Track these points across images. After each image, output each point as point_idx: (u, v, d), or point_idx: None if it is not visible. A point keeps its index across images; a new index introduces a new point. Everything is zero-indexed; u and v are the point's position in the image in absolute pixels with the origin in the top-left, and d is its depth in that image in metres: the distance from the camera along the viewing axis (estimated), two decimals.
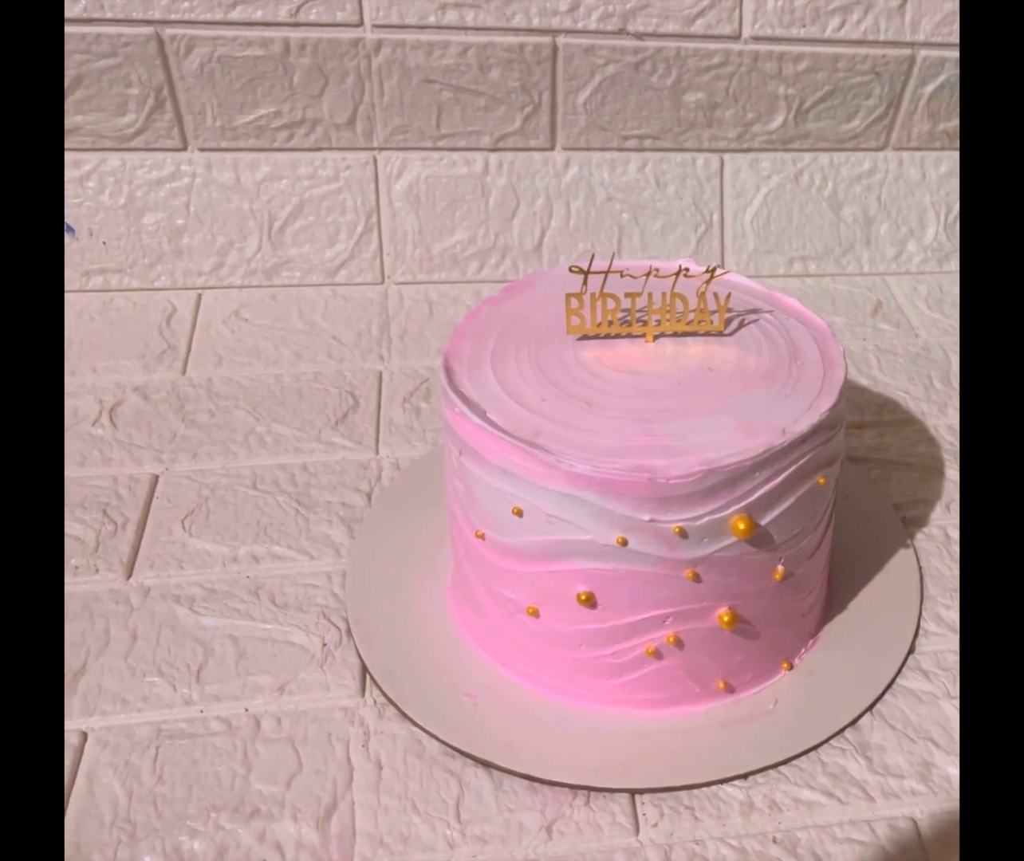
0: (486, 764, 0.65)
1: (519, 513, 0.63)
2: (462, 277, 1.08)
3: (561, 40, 1.00)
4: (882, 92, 1.08)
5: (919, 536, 0.82)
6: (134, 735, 0.66)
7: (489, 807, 0.63)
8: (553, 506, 0.61)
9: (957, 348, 1.04)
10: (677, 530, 0.61)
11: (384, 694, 0.68)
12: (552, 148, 1.07)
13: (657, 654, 0.65)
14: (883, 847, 0.61)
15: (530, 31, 0.99)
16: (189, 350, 0.98)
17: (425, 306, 1.05)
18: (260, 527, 0.80)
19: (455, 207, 1.07)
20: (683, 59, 1.02)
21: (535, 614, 0.66)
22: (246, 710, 0.68)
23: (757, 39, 1.03)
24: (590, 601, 0.64)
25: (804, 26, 1.02)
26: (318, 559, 0.78)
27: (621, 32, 1.00)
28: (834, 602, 0.75)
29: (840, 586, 0.76)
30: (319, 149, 1.04)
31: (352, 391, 0.94)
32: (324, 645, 0.72)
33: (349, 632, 0.72)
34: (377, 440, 0.89)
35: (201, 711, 0.67)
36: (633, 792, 0.64)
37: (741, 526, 0.61)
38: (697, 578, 0.63)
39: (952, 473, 0.88)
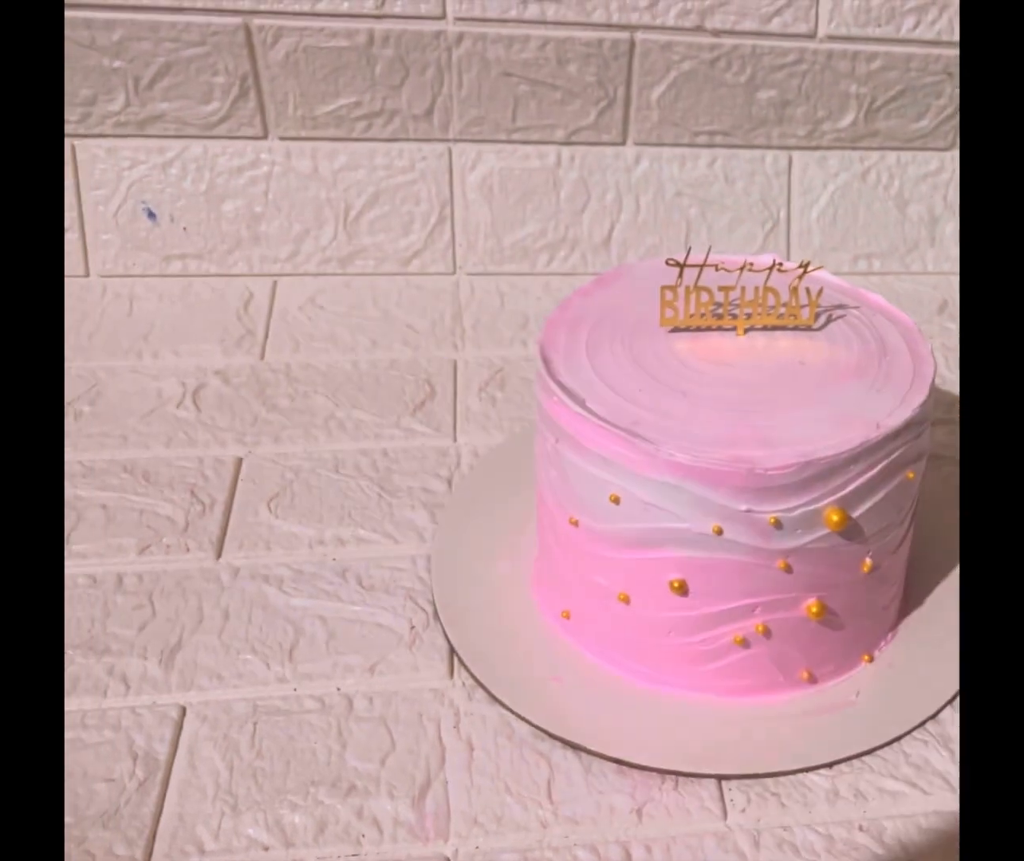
0: (575, 747, 0.65)
1: (616, 500, 0.63)
2: (532, 269, 1.09)
3: (639, 36, 1.01)
4: (953, 92, 1.08)
5: None
6: (231, 710, 0.67)
7: (579, 789, 0.64)
8: (651, 494, 0.62)
9: None
10: (772, 521, 0.61)
11: (473, 676, 0.69)
12: (623, 143, 1.08)
13: (745, 643, 0.66)
14: None
15: (609, 26, 1.00)
16: (267, 335, 1.00)
17: (496, 297, 1.06)
18: (344, 510, 0.82)
19: (527, 200, 1.08)
20: (758, 57, 1.03)
21: (626, 600, 0.67)
22: (338, 689, 0.69)
23: (832, 38, 1.03)
24: (682, 589, 0.64)
25: (879, 25, 1.03)
26: (402, 543, 0.79)
27: (698, 29, 1.01)
28: (911, 596, 0.76)
29: (915, 581, 0.76)
30: (396, 140, 1.05)
31: (428, 379, 0.96)
32: (412, 627, 0.73)
33: (436, 615, 0.73)
34: (455, 427, 0.91)
35: (295, 689, 0.69)
36: (720, 778, 0.65)
37: (835, 518, 0.62)
38: (788, 569, 0.63)
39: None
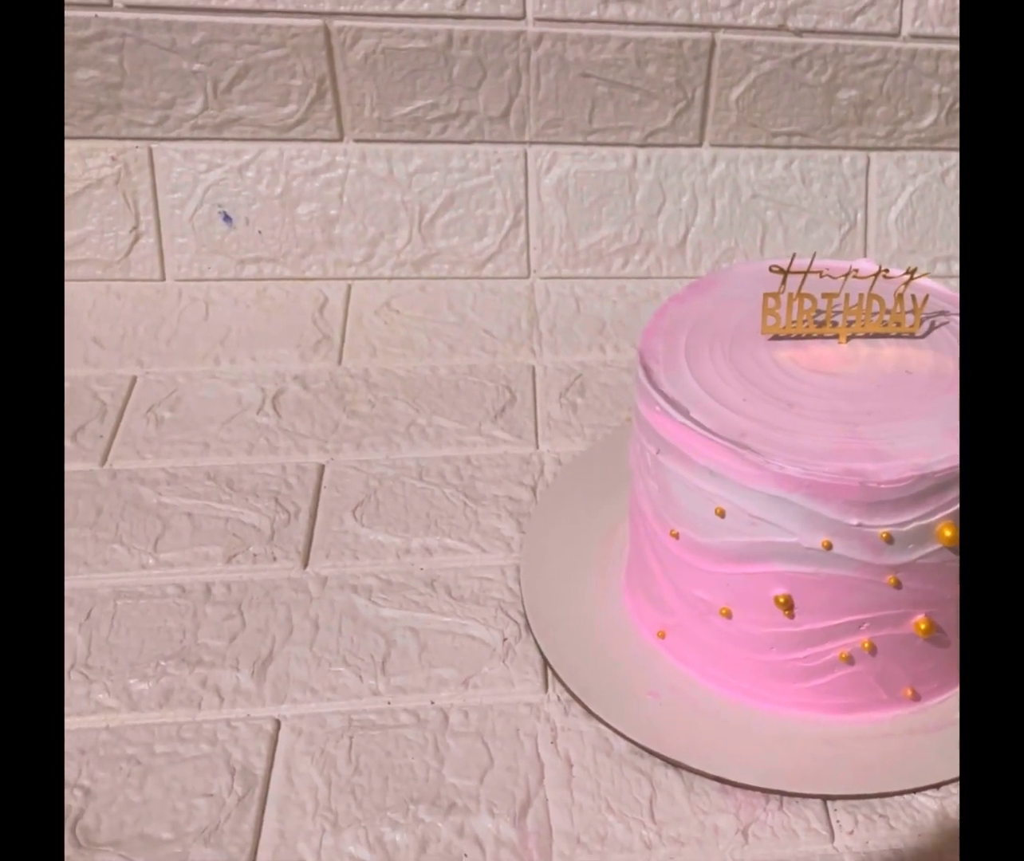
0: (675, 764, 0.64)
1: (721, 514, 0.62)
2: (606, 273, 1.07)
3: (720, 36, 0.99)
4: None
5: None
6: (326, 724, 0.66)
7: (682, 808, 0.62)
8: (759, 508, 0.61)
9: None
10: (884, 536, 0.60)
11: (568, 691, 0.68)
12: (700, 144, 1.06)
13: (850, 659, 0.65)
14: None
15: (690, 26, 0.98)
16: (343, 340, 0.99)
17: (572, 301, 1.05)
18: (430, 519, 0.81)
19: (602, 202, 1.06)
20: (840, 56, 1.01)
21: (727, 615, 0.65)
22: (432, 703, 0.68)
23: (916, 36, 1.01)
24: (787, 604, 0.63)
25: None
26: (490, 552, 0.78)
27: (781, 28, 0.99)
28: None
29: None
30: (471, 142, 1.04)
31: (508, 385, 0.94)
32: (504, 639, 0.72)
33: (528, 627, 0.72)
34: (536, 434, 0.89)
35: (389, 702, 0.68)
36: (826, 798, 0.63)
37: (947, 533, 0.60)
38: (898, 584, 0.62)
39: None
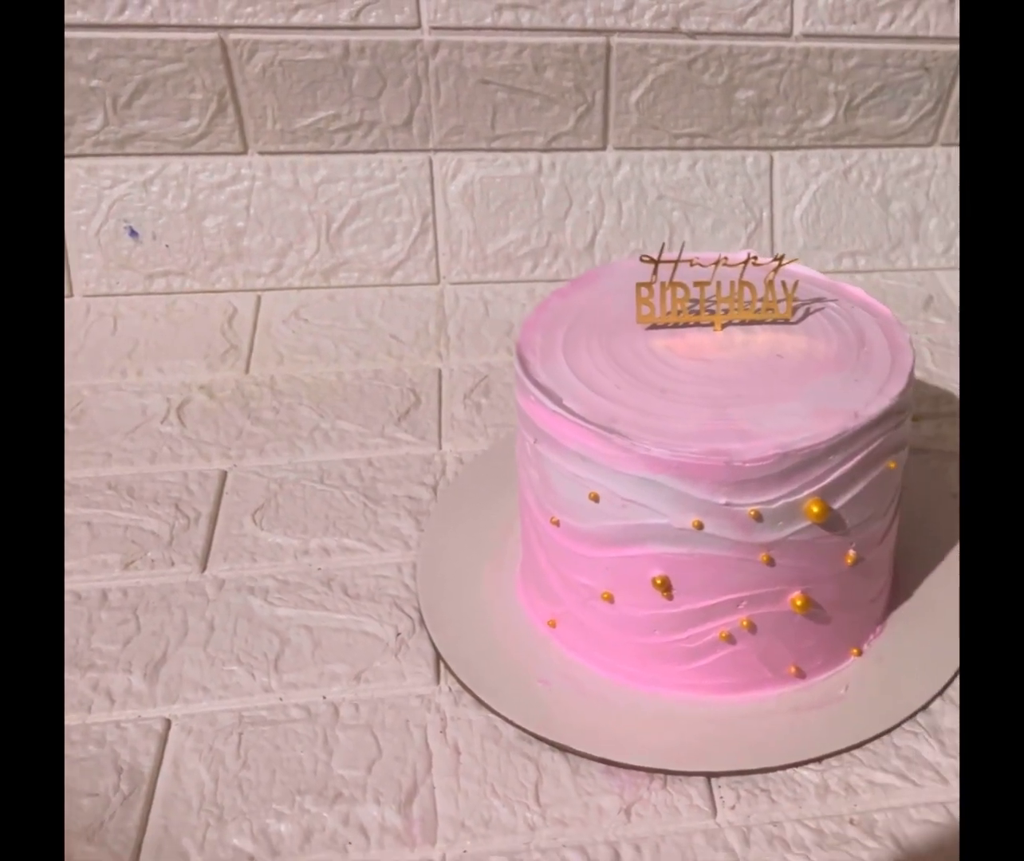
0: (562, 748, 0.65)
1: (595, 498, 0.63)
2: (516, 277, 1.09)
3: (615, 40, 1.01)
4: (931, 87, 1.08)
5: None
6: (217, 722, 0.67)
7: (567, 790, 0.63)
8: (629, 490, 0.62)
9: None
10: (752, 514, 0.61)
11: (460, 681, 0.69)
12: (604, 147, 1.08)
13: (730, 639, 0.66)
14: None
15: (584, 31, 1.00)
16: (251, 349, 1.00)
17: (480, 305, 1.06)
18: (329, 520, 0.81)
19: (509, 207, 1.08)
20: (735, 57, 1.03)
21: (609, 600, 0.67)
22: (324, 698, 0.69)
23: (808, 36, 1.03)
24: (665, 585, 0.64)
25: (855, 22, 1.03)
26: (387, 551, 0.79)
27: (674, 31, 1.01)
28: (899, 590, 0.75)
29: (904, 574, 0.76)
30: (376, 151, 1.05)
31: (413, 388, 0.95)
32: (398, 634, 0.73)
33: (422, 621, 0.73)
34: (440, 435, 0.90)
35: (280, 699, 0.69)
36: (709, 775, 0.64)
37: (815, 510, 0.62)
38: (771, 562, 0.63)
39: None
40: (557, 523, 0.67)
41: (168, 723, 0.67)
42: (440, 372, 0.98)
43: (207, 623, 0.73)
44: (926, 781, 0.64)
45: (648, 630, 0.67)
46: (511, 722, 0.67)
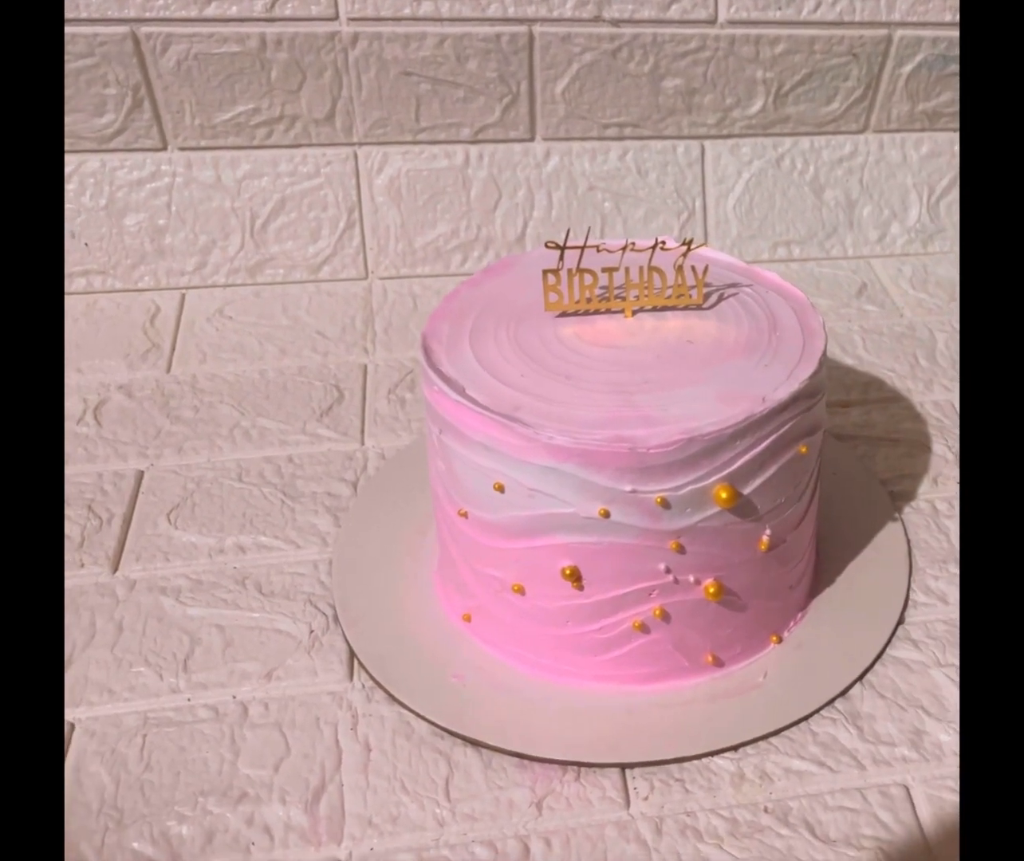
0: (475, 743, 0.64)
1: (500, 488, 0.62)
2: (445, 270, 1.08)
3: (537, 29, 1.00)
4: (860, 73, 1.08)
5: (907, 510, 0.82)
6: (121, 724, 0.66)
7: (479, 785, 0.63)
8: (534, 480, 0.61)
9: (941, 327, 1.04)
10: (659, 500, 0.61)
11: (372, 677, 0.68)
12: (532, 138, 1.07)
13: (644, 628, 0.65)
14: (875, 814, 0.61)
15: (506, 21, 0.99)
16: (173, 348, 0.98)
17: (409, 300, 1.05)
18: (246, 518, 0.80)
19: (436, 200, 1.07)
20: (660, 45, 1.03)
21: (520, 591, 0.66)
22: (233, 697, 0.68)
23: (733, 23, 1.03)
24: (574, 576, 0.63)
25: (780, 8, 1.03)
26: (304, 548, 0.78)
27: (597, 19, 1.00)
28: (823, 577, 0.75)
29: (829, 561, 0.76)
30: (299, 146, 1.04)
31: (337, 384, 0.94)
32: (311, 632, 0.72)
33: (336, 618, 0.72)
34: (363, 431, 0.89)
35: (188, 699, 0.67)
36: (623, 766, 0.64)
37: (723, 495, 0.61)
38: (681, 549, 0.63)
39: (938, 448, 0.88)
40: (465, 515, 0.66)
41: (72, 727, 0.65)
42: (365, 367, 0.97)
43: (116, 624, 0.72)
44: (842, 767, 0.64)
45: (560, 621, 0.66)
46: (423, 718, 0.66)
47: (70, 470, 0.84)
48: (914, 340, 1.02)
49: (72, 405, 0.91)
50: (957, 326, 1.03)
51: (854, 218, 1.15)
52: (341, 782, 0.63)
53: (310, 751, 0.64)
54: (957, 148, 1.15)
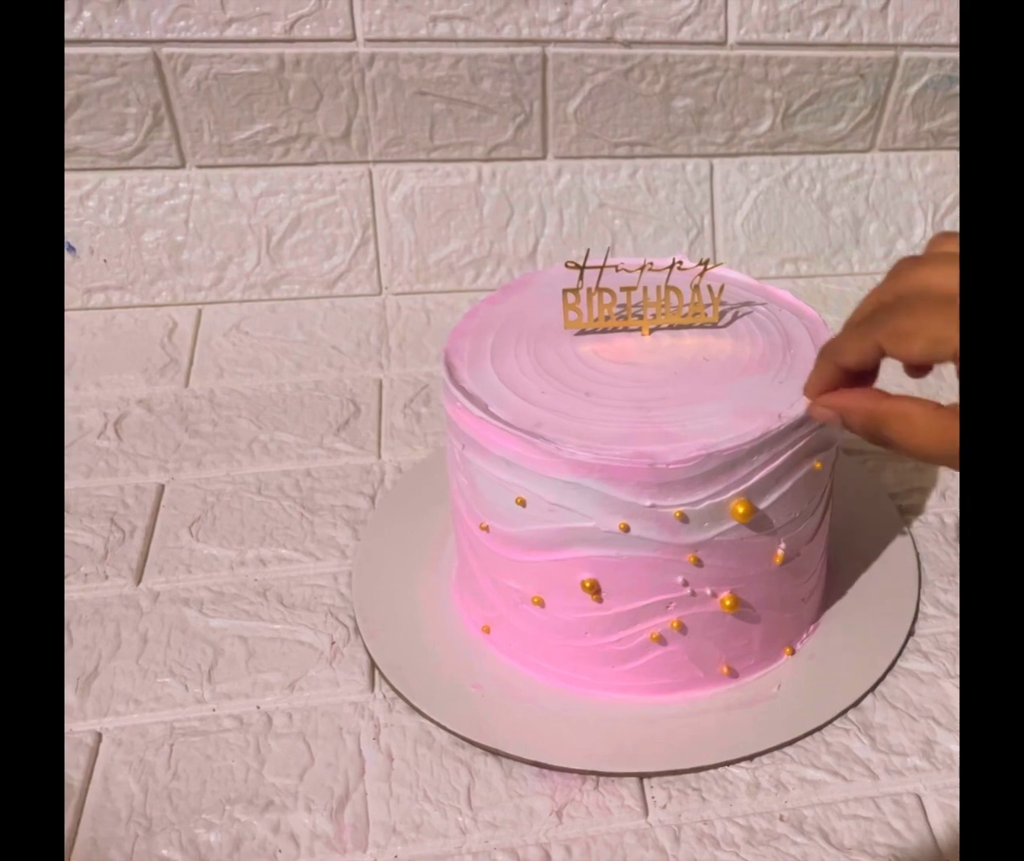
0: (495, 752, 0.66)
1: (522, 503, 0.64)
2: (458, 286, 1.09)
3: (551, 50, 1.02)
4: (867, 94, 1.10)
5: (915, 523, 0.83)
6: (148, 734, 0.67)
7: (499, 793, 0.64)
8: (555, 494, 0.62)
9: None
10: (678, 515, 0.62)
11: (393, 688, 0.69)
12: (544, 157, 1.09)
13: (661, 640, 0.66)
14: (888, 822, 0.63)
15: (520, 42, 1.01)
16: (191, 363, 0.99)
17: (423, 315, 1.07)
18: (266, 531, 0.81)
19: (450, 217, 1.08)
20: (671, 66, 1.04)
21: (540, 604, 0.67)
22: (258, 707, 0.69)
23: (743, 44, 1.04)
24: (594, 589, 0.65)
25: (788, 30, 1.04)
26: (324, 560, 0.79)
27: (609, 40, 1.02)
28: (834, 589, 0.76)
29: (839, 574, 0.77)
30: (315, 164, 1.05)
31: (353, 398, 0.96)
32: (332, 643, 0.73)
33: (357, 630, 0.73)
34: (379, 445, 0.91)
35: (213, 709, 0.68)
36: (641, 776, 0.65)
37: (740, 510, 0.62)
38: (699, 563, 0.64)
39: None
40: (487, 528, 0.67)
41: (99, 736, 0.67)
42: (381, 382, 0.98)
43: (140, 636, 0.73)
44: (856, 776, 0.65)
45: (579, 633, 0.67)
46: (444, 727, 0.67)
47: (91, 483, 0.85)
48: None
49: (92, 419, 0.92)
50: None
51: (860, 235, 1.16)
52: (365, 791, 0.64)
53: (333, 760, 0.66)
54: None
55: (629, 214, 1.11)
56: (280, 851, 0.61)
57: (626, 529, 0.62)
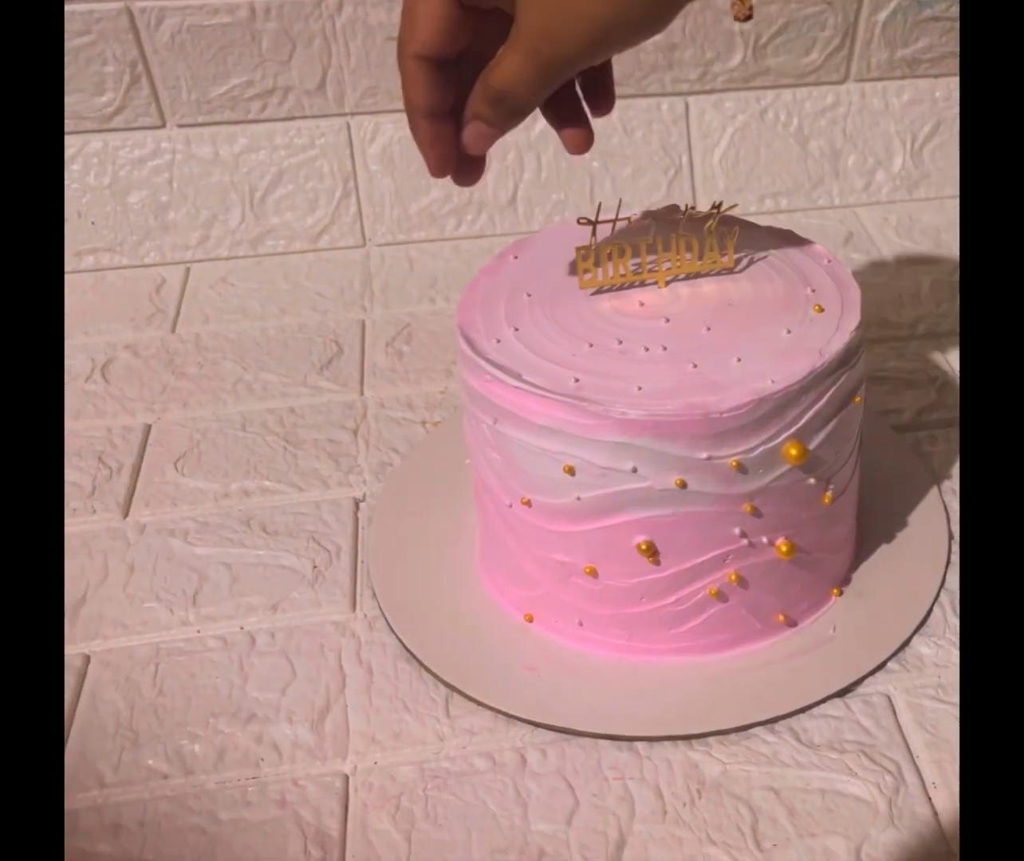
0: (552, 728, 0.64)
1: (571, 471, 0.62)
2: (441, 234, 1.11)
3: None
4: (836, 22, 1.10)
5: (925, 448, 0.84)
6: (134, 655, 0.69)
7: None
8: (607, 458, 0.61)
9: (927, 273, 1.06)
10: (735, 464, 0.61)
11: (382, 612, 0.71)
12: None
13: (720, 595, 0.65)
14: (857, 721, 0.64)
15: None
16: (178, 313, 1.02)
17: (406, 263, 1.08)
18: (250, 465, 0.83)
19: None
20: None
21: (593, 574, 0.65)
22: (241, 628, 0.71)
23: None
24: (651, 551, 0.63)
25: None
26: (306, 490, 0.81)
27: None
28: (865, 524, 0.75)
29: (864, 509, 0.76)
30: (292, 118, 1.07)
31: (336, 339, 0.97)
32: (315, 566, 0.75)
33: (338, 554, 0.75)
34: (362, 382, 0.92)
35: (198, 631, 0.71)
36: (712, 734, 0.64)
37: (793, 452, 0.61)
38: (756, 512, 0.63)
39: (921, 382, 0.90)
40: (529, 503, 0.65)
41: (87, 659, 0.69)
42: (364, 323, 1.00)
43: (127, 565, 0.75)
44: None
45: (636, 599, 0.66)
46: (510, 715, 0.65)
47: (80, 425, 0.88)
48: (900, 285, 1.04)
49: (80, 364, 0.95)
50: (942, 272, 1.06)
51: (839, 168, 1.17)
52: (345, 703, 0.66)
53: (315, 675, 0.68)
54: (938, 94, 1.17)
55: (607, 156, 1.12)
56: (263, 759, 0.63)
57: (683, 485, 0.61)
